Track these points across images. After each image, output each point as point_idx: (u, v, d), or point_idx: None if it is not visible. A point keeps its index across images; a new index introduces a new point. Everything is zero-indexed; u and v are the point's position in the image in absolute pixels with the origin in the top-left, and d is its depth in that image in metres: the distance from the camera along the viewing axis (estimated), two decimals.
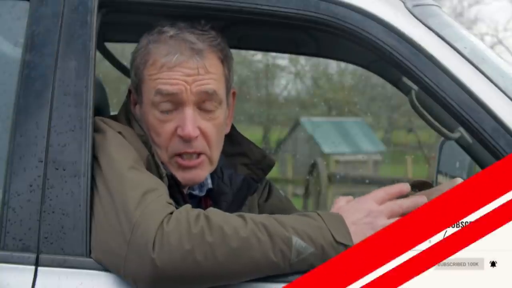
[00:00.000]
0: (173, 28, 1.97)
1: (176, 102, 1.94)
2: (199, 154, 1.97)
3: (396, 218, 1.79)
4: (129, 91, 2.07)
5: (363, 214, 1.79)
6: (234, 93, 2.10)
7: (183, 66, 1.94)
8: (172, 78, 1.94)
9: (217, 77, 1.98)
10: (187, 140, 1.95)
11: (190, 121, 1.94)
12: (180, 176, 1.97)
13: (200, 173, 1.99)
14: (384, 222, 1.79)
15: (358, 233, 1.77)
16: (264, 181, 2.24)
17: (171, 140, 1.96)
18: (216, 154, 2.02)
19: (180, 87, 1.93)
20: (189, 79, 1.94)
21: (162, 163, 1.95)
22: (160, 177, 1.88)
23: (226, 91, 2.02)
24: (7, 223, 1.76)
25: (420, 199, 1.83)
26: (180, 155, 1.97)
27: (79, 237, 1.75)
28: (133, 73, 2.02)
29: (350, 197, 1.87)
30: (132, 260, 1.68)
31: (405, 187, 1.85)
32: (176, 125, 1.95)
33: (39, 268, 1.74)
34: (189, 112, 1.94)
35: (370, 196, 1.83)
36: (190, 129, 1.94)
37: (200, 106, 1.96)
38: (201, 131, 1.96)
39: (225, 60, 2.02)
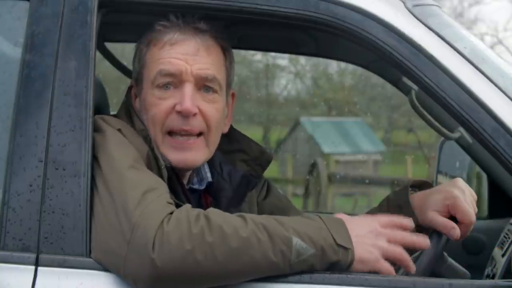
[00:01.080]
0: (178, 16, 2.00)
1: (176, 82, 1.95)
2: (197, 135, 1.96)
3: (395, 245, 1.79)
4: (129, 88, 2.07)
5: (366, 230, 1.78)
6: (233, 95, 2.10)
7: (185, 44, 1.96)
8: (172, 57, 1.95)
9: (217, 64, 1.99)
10: (185, 115, 1.93)
11: (189, 96, 1.94)
12: (174, 157, 1.95)
13: (195, 155, 1.98)
14: (384, 244, 1.78)
15: (359, 244, 1.76)
16: (262, 179, 2.24)
17: (168, 117, 1.95)
18: (213, 138, 2.00)
19: (180, 67, 1.94)
20: (190, 58, 1.94)
21: (156, 145, 1.94)
22: (159, 169, 1.88)
23: (226, 83, 2.02)
24: (7, 223, 1.76)
25: (424, 242, 1.82)
26: (173, 133, 1.95)
27: (79, 237, 1.75)
28: (136, 61, 2.03)
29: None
30: (132, 260, 1.68)
31: (410, 223, 1.83)
32: (175, 102, 1.95)
33: (39, 268, 1.74)
34: (189, 88, 1.94)
35: (375, 217, 1.83)
36: (189, 103, 1.93)
37: (200, 87, 1.96)
38: (200, 111, 1.96)
39: (227, 52, 2.03)
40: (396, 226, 1.81)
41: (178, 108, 1.94)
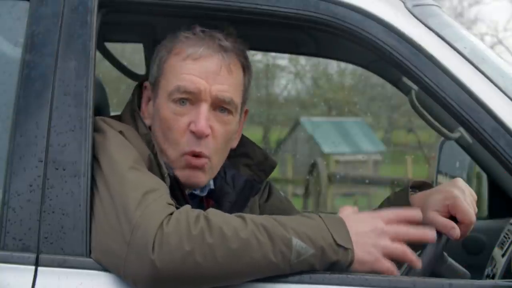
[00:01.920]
0: (202, 26, 1.98)
1: (192, 99, 1.94)
2: (203, 157, 1.96)
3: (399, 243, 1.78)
4: (140, 88, 2.06)
5: (368, 228, 1.77)
6: (246, 111, 2.10)
7: (208, 61, 1.95)
8: (193, 74, 1.94)
9: (236, 83, 1.99)
10: (198, 136, 1.94)
11: (204, 117, 1.93)
12: (184, 174, 1.96)
13: (203, 176, 1.98)
14: (386, 243, 1.77)
15: (359, 245, 1.75)
16: (264, 182, 2.24)
17: (183, 136, 1.95)
18: (217, 161, 2.00)
19: (199, 86, 1.93)
20: (210, 77, 1.93)
21: (169, 161, 1.94)
22: (162, 177, 1.88)
23: (241, 101, 2.02)
24: (7, 223, 1.75)
25: (430, 233, 1.81)
26: (191, 154, 1.95)
27: (79, 237, 1.75)
28: (155, 66, 2.02)
29: (356, 208, 1.86)
30: (132, 261, 1.68)
31: (418, 215, 1.82)
32: (190, 120, 1.94)
33: (39, 268, 1.74)
34: (205, 108, 1.94)
35: (379, 214, 1.81)
36: (203, 124, 1.92)
37: (216, 108, 1.96)
38: (212, 132, 1.95)
39: (247, 69, 2.03)
40: (402, 220, 1.80)
41: (192, 127, 1.94)
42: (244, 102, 2.05)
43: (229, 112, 1.98)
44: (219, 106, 1.96)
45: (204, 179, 1.99)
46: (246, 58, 2.03)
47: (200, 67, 1.94)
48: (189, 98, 1.94)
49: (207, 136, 1.94)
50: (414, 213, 1.82)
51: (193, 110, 1.95)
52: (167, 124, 1.96)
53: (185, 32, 1.98)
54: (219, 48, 1.96)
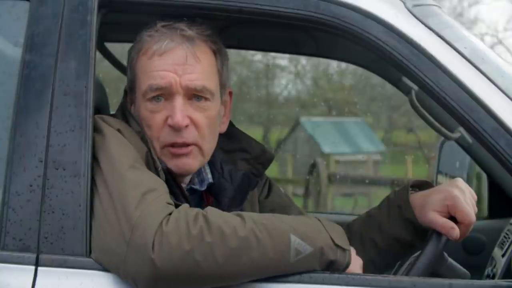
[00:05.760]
0: (166, 20, 1.98)
1: (166, 94, 1.95)
2: (188, 145, 1.97)
3: None
4: (125, 92, 2.07)
5: None
6: (231, 93, 2.10)
7: (173, 53, 1.95)
8: (161, 69, 1.94)
9: (207, 70, 1.98)
10: (176, 129, 1.94)
11: (179, 110, 1.93)
12: (172, 164, 1.96)
13: (190, 162, 1.98)
14: None
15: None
16: (264, 177, 2.24)
17: (162, 130, 1.95)
18: (208, 146, 2.00)
19: (169, 79, 1.93)
20: (179, 68, 1.94)
21: (157, 157, 1.95)
22: (157, 171, 1.88)
23: (219, 85, 2.02)
24: (7, 223, 1.76)
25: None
26: (171, 145, 1.96)
27: (79, 237, 1.75)
28: (129, 69, 2.03)
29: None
30: (131, 261, 1.68)
31: None
32: (167, 115, 1.95)
33: (39, 268, 1.74)
34: (179, 101, 1.94)
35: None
36: (179, 117, 1.93)
37: (191, 97, 1.96)
38: (192, 121, 1.96)
39: (218, 53, 2.02)
40: None
41: (169, 122, 1.94)
42: (222, 85, 2.04)
43: (205, 98, 1.97)
44: (193, 95, 1.96)
45: (193, 164, 1.99)
46: (215, 42, 2.01)
47: (166, 61, 1.95)
48: (163, 94, 1.95)
49: (186, 126, 1.95)
50: None
51: (168, 105, 1.95)
52: (146, 122, 1.96)
53: (147, 31, 1.99)
54: (183, 39, 1.96)
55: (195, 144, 1.97)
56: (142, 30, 2.01)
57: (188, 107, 1.96)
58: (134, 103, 2.02)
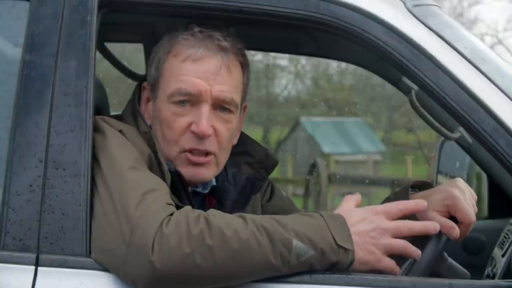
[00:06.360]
0: (200, 26, 1.98)
1: (193, 100, 1.95)
2: (207, 154, 1.97)
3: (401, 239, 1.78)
4: (137, 87, 2.06)
5: (369, 227, 1.77)
6: (245, 107, 2.11)
7: (207, 62, 1.95)
8: (193, 76, 1.94)
9: (236, 82, 1.99)
10: (200, 137, 1.94)
11: (206, 118, 1.94)
12: (187, 171, 1.96)
13: (206, 172, 1.99)
14: (388, 241, 1.76)
15: (360, 244, 1.75)
16: (266, 181, 2.24)
17: (183, 135, 1.96)
18: (223, 157, 2.02)
19: (200, 87, 1.93)
20: (211, 77, 1.94)
21: (169, 159, 1.95)
22: (162, 174, 1.88)
23: (241, 99, 2.03)
24: (7, 223, 1.75)
25: (432, 225, 1.80)
26: (190, 151, 1.96)
27: (79, 237, 1.75)
28: (154, 67, 2.02)
29: (359, 197, 1.85)
30: (131, 262, 1.67)
31: (422, 204, 1.81)
32: (191, 121, 1.95)
33: (39, 268, 1.74)
34: (206, 109, 1.94)
35: (382, 209, 1.80)
36: (205, 126, 1.93)
37: (216, 107, 1.96)
38: (215, 131, 1.96)
39: (245, 67, 2.04)
40: (407, 213, 1.79)
41: (194, 128, 1.94)
42: (243, 99, 2.06)
43: (230, 111, 1.98)
44: (220, 106, 1.97)
45: (208, 175, 2.00)
46: (244, 56, 2.03)
47: (200, 68, 1.95)
48: (190, 99, 1.95)
49: (209, 136, 1.95)
50: (418, 203, 1.81)
51: (193, 111, 1.95)
52: (167, 123, 1.96)
53: (183, 34, 1.98)
54: (219, 49, 1.96)
55: (214, 154, 1.97)
56: (176, 30, 2.00)
57: (213, 117, 1.96)
58: (153, 102, 2.01)
